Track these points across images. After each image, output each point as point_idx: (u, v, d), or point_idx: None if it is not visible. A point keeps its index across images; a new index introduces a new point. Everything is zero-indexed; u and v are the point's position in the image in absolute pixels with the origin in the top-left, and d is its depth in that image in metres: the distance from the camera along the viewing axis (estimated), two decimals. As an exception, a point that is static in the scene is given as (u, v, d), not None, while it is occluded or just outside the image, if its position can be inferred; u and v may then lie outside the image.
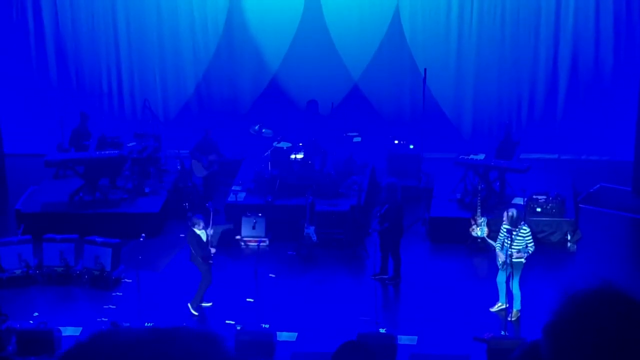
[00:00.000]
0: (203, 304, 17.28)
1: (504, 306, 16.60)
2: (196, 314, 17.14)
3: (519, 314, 16.50)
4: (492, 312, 16.67)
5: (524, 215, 18.02)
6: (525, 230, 16.47)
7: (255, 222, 19.53)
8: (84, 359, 1.95)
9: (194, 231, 16.91)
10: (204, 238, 16.95)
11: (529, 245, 16.43)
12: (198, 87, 23.59)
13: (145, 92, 23.55)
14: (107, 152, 20.76)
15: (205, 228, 16.95)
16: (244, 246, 19.52)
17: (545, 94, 22.79)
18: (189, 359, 1.94)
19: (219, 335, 2.05)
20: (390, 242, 17.72)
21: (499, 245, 16.59)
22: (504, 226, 16.54)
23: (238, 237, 19.47)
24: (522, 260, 16.44)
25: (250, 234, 19.51)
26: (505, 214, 16.65)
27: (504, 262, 16.38)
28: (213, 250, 17.06)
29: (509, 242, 16.35)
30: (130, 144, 21.24)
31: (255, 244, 18.98)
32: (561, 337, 2.44)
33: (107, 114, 23.19)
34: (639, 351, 2.37)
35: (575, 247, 19.03)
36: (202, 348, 1.96)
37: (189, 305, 17.14)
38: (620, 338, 2.39)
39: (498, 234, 16.81)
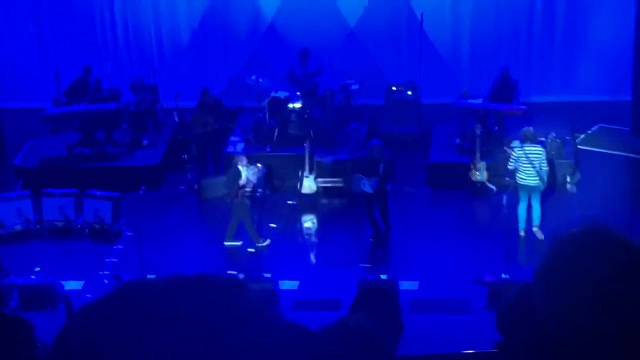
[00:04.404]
0: (230, 243, 17.44)
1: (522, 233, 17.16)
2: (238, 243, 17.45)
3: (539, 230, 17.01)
4: (493, 256, 16.58)
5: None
6: (539, 149, 16.95)
7: (255, 173, 19.51)
8: (107, 313, 1.95)
9: (237, 167, 17.40)
10: (242, 176, 17.34)
11: (543, 166, 16.87)
12: (193, 36, 23.46)
13: (140, 42, 23.46)
14: (103, 104, 20.70)
15: (247, 166, 17.42)
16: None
17: (542, 35, 22.69)
18: (217, 305, 1.94)
19: (244, 280, 2.05)
20: (384, 199, 17.60)
21: (512, 164, 17.06)
22: (519, 151, 16.85)
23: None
24: (537, 180, 16.82)
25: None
26: (523, 133, 17.07)
27: (523, 185, 16.88)
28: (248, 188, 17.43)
29: (527, 165, 16.75)
30: (127, 97, 21.17)
31: (256, 194, 19.08)
32: (550, 279, 2.44)
33: (103, 66, 23.05)
34: (627, 290, 2.37)
35: (575, 188, 19.04)
36: (229, 294, 1.97)
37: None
38: (609, 278, 2.38)
39: (509, 160, 17.20)
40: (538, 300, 2.48)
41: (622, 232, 2.48)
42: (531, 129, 17.37)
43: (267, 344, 1.94)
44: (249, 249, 17.19)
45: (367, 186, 17.12)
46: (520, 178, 17.13)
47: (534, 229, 17.30)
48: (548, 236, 17.09)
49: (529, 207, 17.24)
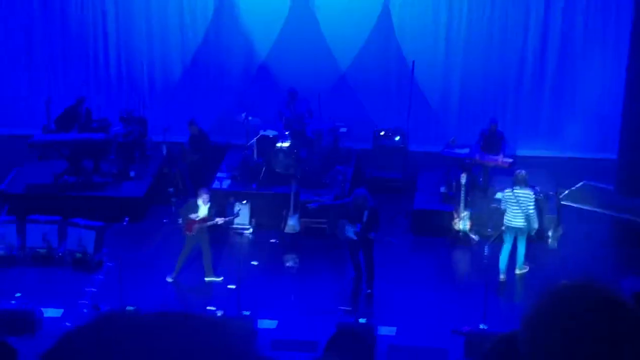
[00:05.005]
0: (211, 278, 17.60)
1: (526, 268, 17.78)
2: (169, 280, 17.68)
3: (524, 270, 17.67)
4: (472, 306, 16.61)
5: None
6: (529, 193, 17.38)
7: (240, 210, 19.56)
8: (87, 341, 1.97)
9: (195, 201, 17.66)
10: (200, 212, 17.46)
11: (530, 208, 17.36)
12: (185, 71, 23.56)
13: (132, 75, 23.53)
14: (92, 134, 20.76)
15: (206, 202, 17.55)
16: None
17: (532, 89, 22.85)
18: (197, 345, 1.97)
19: (225, 320, 2.09)
20: (369, 248, 17.35)
21: (502, 205, 17.65)
22: (509, 193, 17.43)
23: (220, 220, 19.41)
24: (523, 222, 17.38)
25: (235, 222, 19.52)
26: (515, 176, 17.60)
27: (509, 227, 17.42)
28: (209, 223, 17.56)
29: (515, 207, 17.29)
30: (116, 128, 21.24)
31: (239, 231, 19.16)
32: (537, 330, 2.47)
33: (94, 96, 23.10)
34: (616, 347, 2.40)
35: (557, 243, 19.11)
36: (210, 334, 1.99)
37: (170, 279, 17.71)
38: (597, 333, 2.42)
39: (502, 199, 17.78)
40: (525, 354, 2.50)
41: (614, 289, 2.51)
42: (523, 172, 17.76)
43: None
44: (230, 286, 17.17)
45: (351, 232, 17.12)
46: (508, 220, 17.55)
47: (517, 271, 17.68)
48: (532, 287, 17.18)
49: (513, 253, 17.49)
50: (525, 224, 17.44)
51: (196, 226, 17.47)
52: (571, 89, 22.69)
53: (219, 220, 17.83)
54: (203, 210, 17.59)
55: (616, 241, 19.64)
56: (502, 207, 17.68)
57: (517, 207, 17.36)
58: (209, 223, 17.59)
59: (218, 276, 17.65)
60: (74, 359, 1.94)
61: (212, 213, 17.70)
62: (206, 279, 17.61)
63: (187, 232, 17.59)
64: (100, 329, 1.98)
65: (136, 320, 1.98)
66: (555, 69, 22.67)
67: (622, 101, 20.93)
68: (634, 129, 20.52)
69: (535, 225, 17.64)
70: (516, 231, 17.50)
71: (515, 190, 17.44)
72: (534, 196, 17.56)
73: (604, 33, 22.37)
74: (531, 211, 17.40)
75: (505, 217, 17.56)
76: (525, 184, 17.55)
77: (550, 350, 2.42)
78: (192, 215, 17.51)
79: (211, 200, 19.79)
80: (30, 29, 23.48)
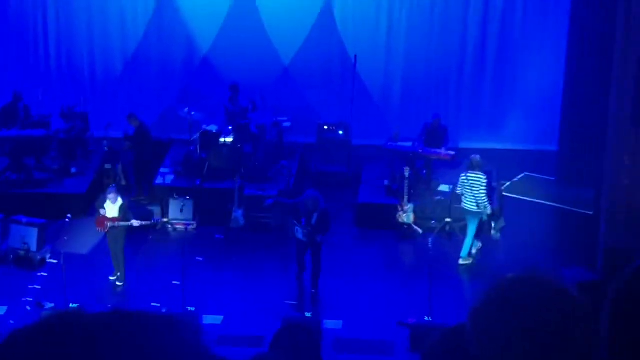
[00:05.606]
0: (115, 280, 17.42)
1: (470, 260, 17.89)
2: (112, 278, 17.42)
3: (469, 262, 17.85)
4: (417, 298, 16.70)
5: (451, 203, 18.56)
6: (480, 176, 17.66)
7: (184, 205, 19.50)
8: (33, 342, 1.95)
9: (105, 198, 17.16)
10: (109, 209, 17.02)
11: (481, 193, 17.64)
12: (127, 67, 23.40)
13: (73, 71, 23.33)
14: (33, 130, 20.58)
15: (114, 201, 17.02)
16: (172, 229, 19.46)
17: (473, 82, 23.01)
18: (154, 345, 1.97)
19: (184, 321, 2.09)
20: (317, 250, 17.17)
21: (458, 189, 17.91)
22: (463, 177, 17.73)
23: (165, 219, 19.39)
24: (474, 206, 17.66)
25: (178, 217, 19.47)
26: (470, 160, 17.86)
27: (464, 209, 17.80)
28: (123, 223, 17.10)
29: (468, 191, 17.64)
30: (57, 124, 21.08)
31: (183, 227, 19.09)
32: (485, 321, 2.50)
33: (34, 91, 22.87)
34: (562, 337, 2.44)
35: (499, 235, 19.28)
36: (161, 333, 1.99)
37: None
38: (544, 323, 2.45)
39: (458, 185, 18.01)
40: (472, 345, 2.55)
41: (559, 279, 2.55)
42: (477, 157, 18.06)
43: None
44: (174, 282, 17.10)
45: (299, 233, 17.04)
46: (463, 203, 17.89)
47: (460, 261, 17.92)
48: (476, 279, 17.32)
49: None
50: (476, 208, 17.64)
51: (107, 224, 17.16)
52: (511, 82, 22.90)
53: (135, 223, 17.25)
54: (111, 208, 17.08)
55: (558, 231, 19.85)
56: (459, 191, 17.97)
57: (470, 190, 17.61)
58: (122, 224, 17.15)
59: (120, 281, 17.42)
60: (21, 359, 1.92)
61: (125, 213, 17.14)
62: (110, 278, 17.42)
63: (98, 228, 17.28)
64: (48, 328, 1.96)
65: (84, 319, 1.96)
66: (495, 62, 22.86)
67: (562, 93, 21.17)
68: (573, 120, 20.76)
69: (488, 211, 17.82)
70: (469, 215, 17.78)
71: (468, 174, 17.67)
72: (485, 180, 17.75)
73: (542, 26, 22.57)
74: (482, 195, 17.61)
75: (462, 200, 17.87)
76: (480, 168, 17.85)
77: (498, 343, 2.45)
78: (101, 211, 17.19)
79: (154, 195, 19.79)
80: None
